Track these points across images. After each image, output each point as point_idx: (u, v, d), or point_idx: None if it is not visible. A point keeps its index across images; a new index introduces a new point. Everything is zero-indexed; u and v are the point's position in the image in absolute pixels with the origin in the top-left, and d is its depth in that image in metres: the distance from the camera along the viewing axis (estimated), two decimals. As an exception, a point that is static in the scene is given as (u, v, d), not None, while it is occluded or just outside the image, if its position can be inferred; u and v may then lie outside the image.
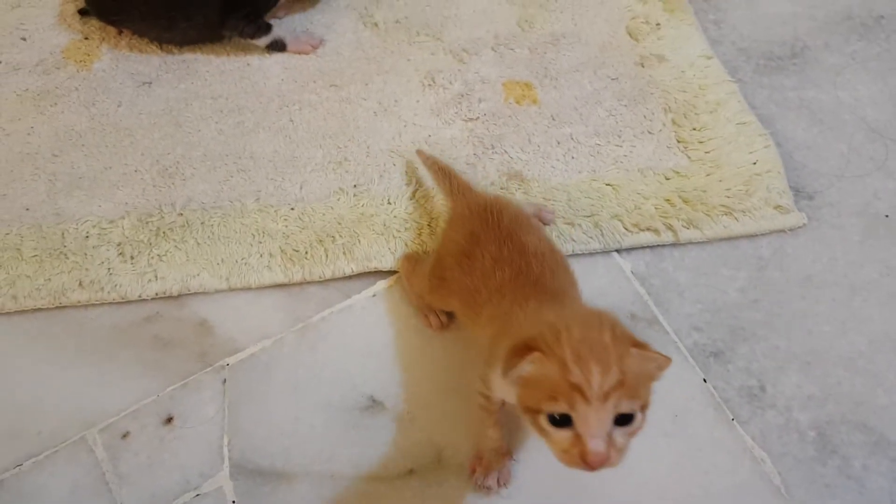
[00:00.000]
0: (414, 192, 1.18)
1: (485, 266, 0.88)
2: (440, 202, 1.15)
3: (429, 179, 1.15)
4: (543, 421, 0.67)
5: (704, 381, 1.02)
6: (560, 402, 0.65)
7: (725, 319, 1.08)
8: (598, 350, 0.66)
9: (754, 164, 1.21)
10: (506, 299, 0.84)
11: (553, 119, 1.27)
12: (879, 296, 1.10)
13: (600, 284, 1.11)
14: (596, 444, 0.65)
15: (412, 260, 1.08)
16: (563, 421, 0.66)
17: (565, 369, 0.65)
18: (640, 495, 0.94)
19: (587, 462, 0.65)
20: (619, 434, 0.66)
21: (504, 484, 0.93)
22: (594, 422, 0.65)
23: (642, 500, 0.93)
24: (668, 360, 0.69)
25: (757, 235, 1.16)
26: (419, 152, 1.14)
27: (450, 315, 1.05)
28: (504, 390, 0.80)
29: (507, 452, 0.94)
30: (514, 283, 0.86)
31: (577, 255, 1.13)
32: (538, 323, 0.72)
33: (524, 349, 0.67)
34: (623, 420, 0.66)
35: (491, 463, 0.93)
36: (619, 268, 1.13)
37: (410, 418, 0.99)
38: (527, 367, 0.67)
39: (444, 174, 1.05)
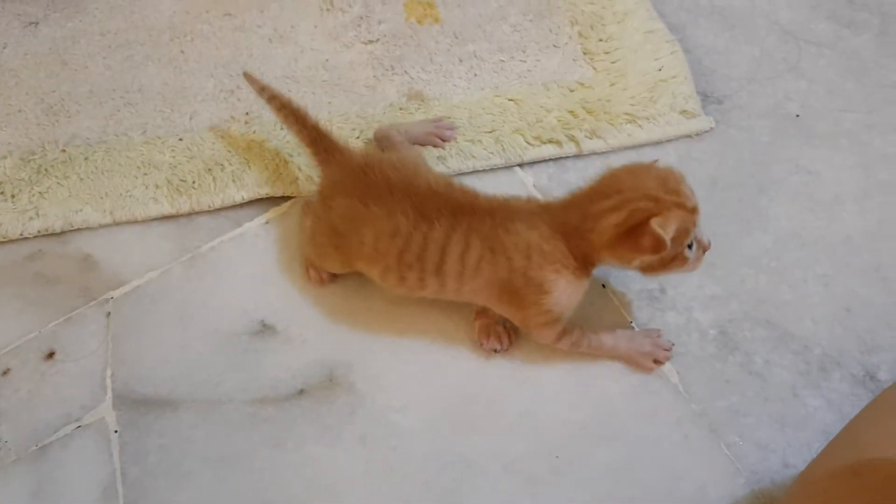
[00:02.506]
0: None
1: (403, 225, 0.85)
2: (337, 128, 1.11)
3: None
4: (688, 253, 0.82)
5: (603, 286, 0.99)
6: (692, 229, 0.80)
7: (628, 226, 1.05)
8: (667, 178, 0.80)
9: (660, 70, 1.18)
10: (476, 238, 0.84)
11: (456, 37, 1.23)
12: (787, 193, 1.08)
13: (502, 199, 1.08)
14: (707, 235, 0.85)
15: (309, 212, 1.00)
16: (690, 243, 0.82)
17: (683, 206, 0.78)
18: (536, 401, 0.92)
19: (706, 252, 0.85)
20: None
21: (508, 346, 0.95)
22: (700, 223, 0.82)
23: (536, 406, 0.91)
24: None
25: (662, 142, 1.13)
26: (247, 75, 1.04)
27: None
28: (575, 294, 0.87)
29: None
30: (458, 219, 0.85)
31: (479, 171, 1.10)
32: (586, 216, 0.81)
33: (640, 227, 0.77)
34: None
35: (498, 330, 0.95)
36: (521, 182, 1.10)
37: (302, 340, 0.96)
38: (672, 226, 0.77)
39: (301, 124, 0.96)
